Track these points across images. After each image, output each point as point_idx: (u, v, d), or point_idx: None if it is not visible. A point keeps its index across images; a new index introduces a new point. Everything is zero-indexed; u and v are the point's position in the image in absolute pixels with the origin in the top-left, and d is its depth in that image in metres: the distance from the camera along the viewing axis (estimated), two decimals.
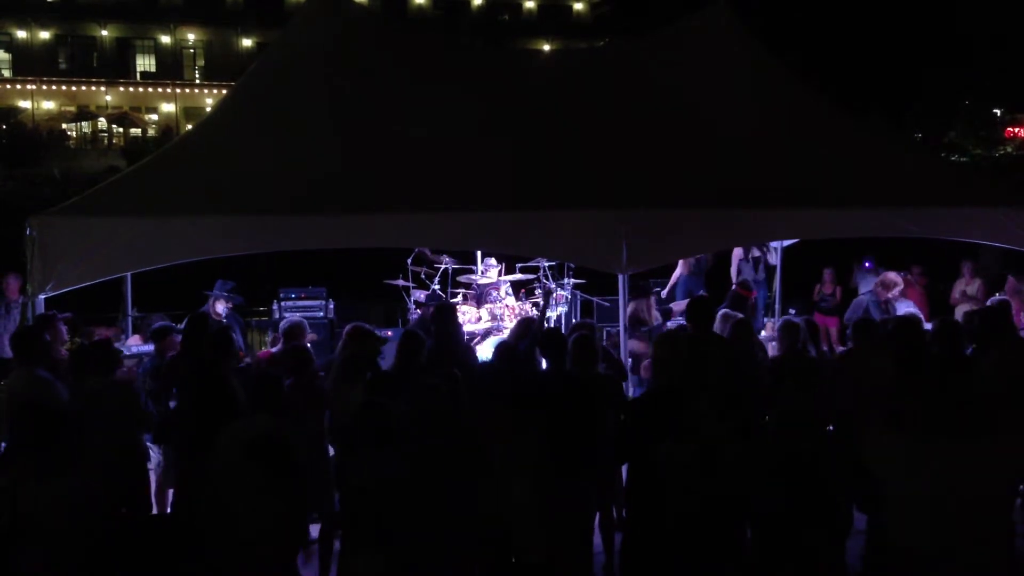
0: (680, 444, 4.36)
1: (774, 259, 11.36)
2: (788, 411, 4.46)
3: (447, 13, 52.76)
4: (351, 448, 4.54)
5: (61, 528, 3.83)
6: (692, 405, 4.52)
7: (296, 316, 8.70)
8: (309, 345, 8.79)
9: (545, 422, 4.75)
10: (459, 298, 10.84)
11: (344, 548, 4.51)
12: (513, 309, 10.46)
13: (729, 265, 11.91)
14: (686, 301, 8.47)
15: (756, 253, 11.68)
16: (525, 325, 7.64)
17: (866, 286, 11.12)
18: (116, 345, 8.19)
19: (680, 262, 11.48)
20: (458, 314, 8.41)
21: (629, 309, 9.35)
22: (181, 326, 7.65)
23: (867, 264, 11.73)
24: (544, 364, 6.32)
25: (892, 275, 9.85)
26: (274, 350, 7.35)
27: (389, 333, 9.62)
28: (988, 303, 7.43)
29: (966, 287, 11.52)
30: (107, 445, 5.39)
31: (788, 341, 6.77)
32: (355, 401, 5.09)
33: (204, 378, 5.86)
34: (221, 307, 8.94)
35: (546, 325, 8.77)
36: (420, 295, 10.70)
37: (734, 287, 10.04)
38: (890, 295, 9.57)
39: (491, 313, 10.44)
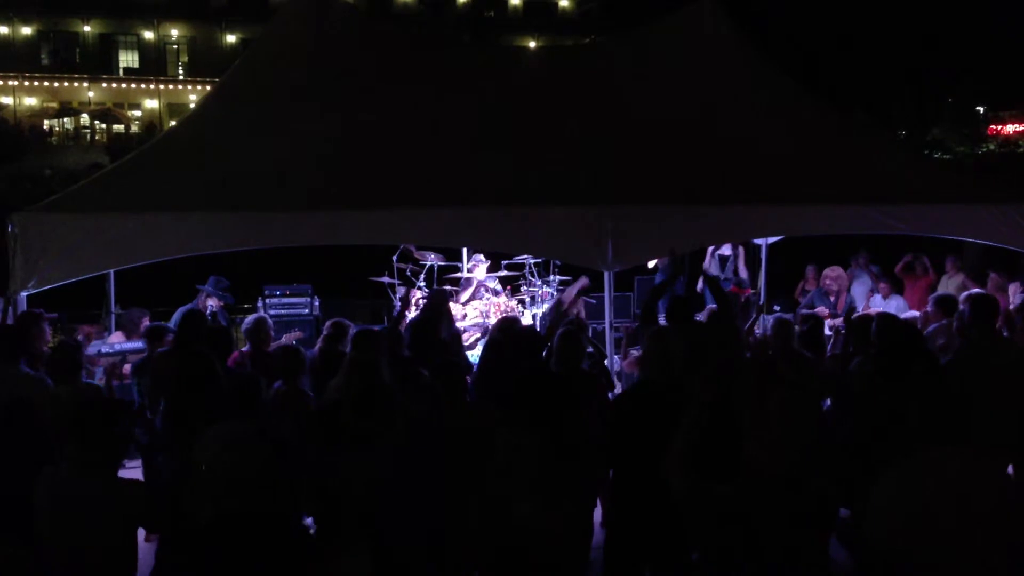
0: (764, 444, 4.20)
1: (729, 250, 11.39)
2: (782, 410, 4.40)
3: (432, 10, 52.70)
4: (333, 447, 4.51)
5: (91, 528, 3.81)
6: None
7: (259, 313, 8.58)
8: (296, 342, 8.77)
9: (538, 420, 4.70)
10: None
11: (325, 548, 4.46)
12: (499, 306, 10.45)
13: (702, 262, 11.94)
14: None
15: (724, 252, 11.69)
16: (508, 323, 7.58)
17: (860, 284, 11.16)
18: (96, 342, 8.18)
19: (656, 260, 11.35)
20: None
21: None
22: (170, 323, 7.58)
23: (861, 260, 11.75)
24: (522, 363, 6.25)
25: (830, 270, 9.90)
26: (244, 349, 7.18)
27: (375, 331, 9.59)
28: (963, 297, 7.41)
29: (948, 281, 11.57)
30: None
31: (782, 340, 6.72)
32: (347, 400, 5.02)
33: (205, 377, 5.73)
34: (211, 304, 8.88)
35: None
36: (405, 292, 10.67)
37: (729, 286, 10.08)
38: (837, 287, 9.61)
39: (478, 310, 10.43)
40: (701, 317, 7.76)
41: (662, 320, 6.90)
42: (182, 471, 5.44)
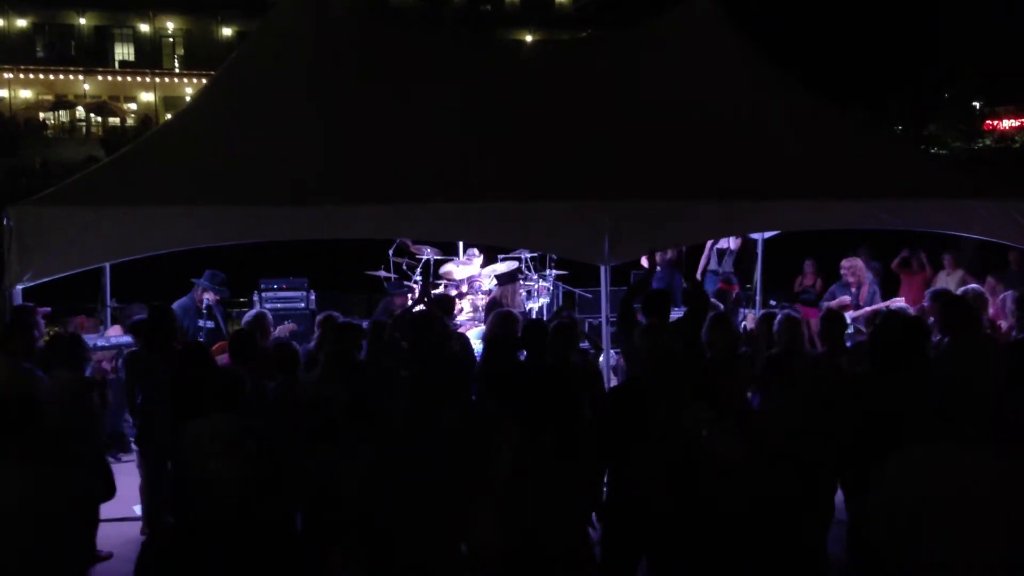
0: (726, 434, 4.17)
1: (733, 244, 11.37)
2: (778, 405, 4.40)
3: (429, 4, 52.56)
4: (330, 447, 4.48)
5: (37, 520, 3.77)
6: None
7: (259, 308, 8.56)
8: (289, 335, 8.76)
9: (538, 419, 4.68)
10: (439, 289, 10.81)
11: (323, 549, 4.45)
12: None
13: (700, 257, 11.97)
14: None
15: (723, 245, 11.69)
16: (504, 317, 7.54)
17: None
18: (91, 336, 8.17)
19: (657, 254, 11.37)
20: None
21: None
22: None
23: (863, 255, 11.75)
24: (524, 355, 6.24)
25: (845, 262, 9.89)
26: None
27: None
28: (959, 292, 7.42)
29: (947, 277, 11.59)
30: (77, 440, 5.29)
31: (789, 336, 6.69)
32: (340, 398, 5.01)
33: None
34: (207, 298, 8.86)
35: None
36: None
37: (718, 283, 10.07)
38: (855, 278, 9.59)
39: (472, 304, 10.42)
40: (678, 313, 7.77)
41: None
42: (167, 471, 5.46)
